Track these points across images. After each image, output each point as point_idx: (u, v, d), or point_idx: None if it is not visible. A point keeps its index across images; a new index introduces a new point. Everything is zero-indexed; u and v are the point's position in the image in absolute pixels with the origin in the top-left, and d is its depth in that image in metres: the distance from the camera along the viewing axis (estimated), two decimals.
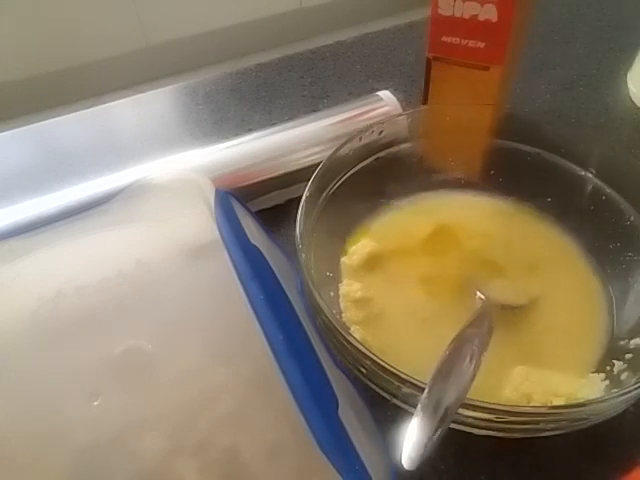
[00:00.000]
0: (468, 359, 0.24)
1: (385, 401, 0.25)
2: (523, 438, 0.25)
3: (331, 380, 0.21)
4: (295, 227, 0.28)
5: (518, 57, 0.40)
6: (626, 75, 0.50)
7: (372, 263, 0.33)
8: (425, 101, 0.40)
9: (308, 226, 0.30)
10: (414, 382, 0.22)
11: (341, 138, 0.33)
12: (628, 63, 0.50)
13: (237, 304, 0.23)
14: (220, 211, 0.26)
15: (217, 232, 0.25)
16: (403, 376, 0.23)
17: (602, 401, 0.23)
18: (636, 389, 0.22)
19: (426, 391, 0.22)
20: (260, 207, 0.37)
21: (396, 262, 0.33)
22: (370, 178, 0.35)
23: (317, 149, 0.37)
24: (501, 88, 0.37)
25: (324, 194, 0.33)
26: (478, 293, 0.31)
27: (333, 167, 0.33)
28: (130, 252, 0.26)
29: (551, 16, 0.58)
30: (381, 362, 0.23)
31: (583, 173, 0.34)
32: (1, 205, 0.34)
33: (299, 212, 0.29)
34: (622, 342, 0.29)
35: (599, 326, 0.30)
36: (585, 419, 0.23)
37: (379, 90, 0.41)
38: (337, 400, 0.21)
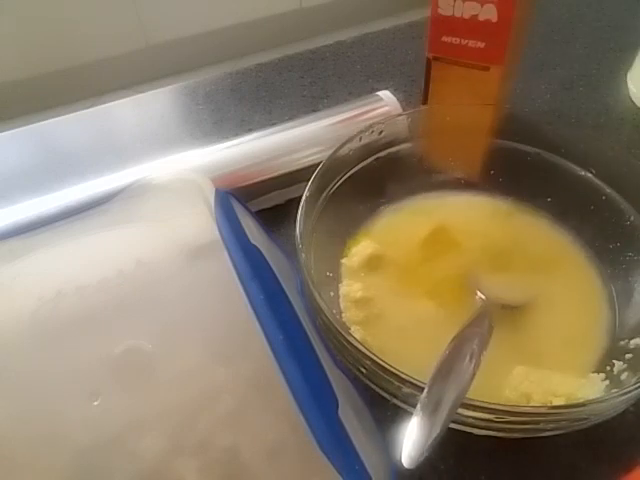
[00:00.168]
0: (468, 358, 0.24)
1: (385, 401, 0.25)
2: (523, 438, 0.25)
3: (331, 380, 0.21)
4: (295, 227, 0.28)
5: (518, 57, 0.40)
6: (626, 75, 0.50)
7: (372, 264, 0.33)
8: (425, 101, 0.40)
9: (308, 226, 0.30)
10: (414, 382, 0.22)
11: (341, 138, 0.33)
12: (628, 63, 0.50)
13: (237, 304, 0.23)
14: (220, 211, 0.26)
15: (217, 232, 0.25)
16: (403, 376, 0.23)
17: (602, 401, 0.23)
18: (636, 389, 0.22)
19: (426, 390, 0.22)
20: (260, 207, 0.37)
21: (396, 262, 0.33)
22: (370, 178, 0.35)
23: (317, 149, 0.37)
24: (501, 88, 0.37)
25: (324, 194, 0.33)
26: (478, 293, 0.31)
27: (333, 167, 0.33)
28: (130, 252, 0.26)
29: (551, 16, 0.58)
30: (381, 362, 0.23)
31: (583, 173, 0.34)
32: (1, 205, 0.34)
33: (299, 212, 0.29)
34: (622, 342, 0.29)
35: (599, 326, 0.30)
36: (585, 419, 0.23)
37: (379, 90, 0.41)
38: (337, 400, 0.21)
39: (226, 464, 0.20)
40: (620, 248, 0.32)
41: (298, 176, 0.36)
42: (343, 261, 0.33)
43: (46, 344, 0.22)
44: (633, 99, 0.48)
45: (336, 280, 0.33)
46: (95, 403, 0.21)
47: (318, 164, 0.32)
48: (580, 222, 0.34)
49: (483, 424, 0.23)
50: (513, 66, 0.39)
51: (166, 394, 0.21)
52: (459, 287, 0.32)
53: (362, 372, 0.25)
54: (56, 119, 0.49)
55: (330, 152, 0.32)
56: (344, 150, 0.33)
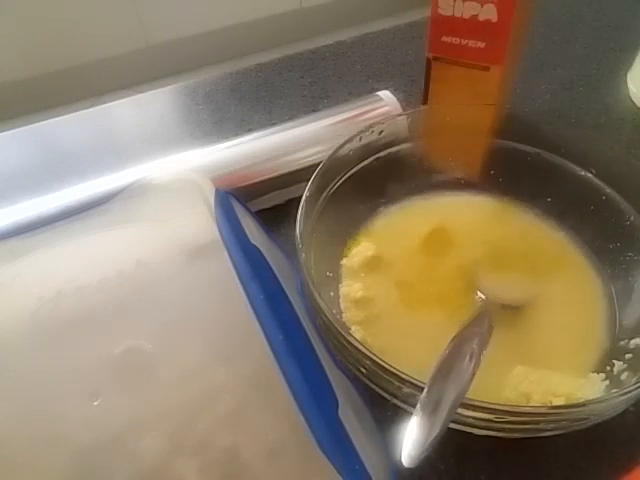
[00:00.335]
0: (468, 358, 0.24)
1: (385, 401, 0.25)
2: (523, 438, 0.25)
3: (331, 380, 0.21)
4: (295, 227, 0.28)
5: (518, 57, 0.40)
6: (626, 75, 0.50)
7: (372, 264, 0.33)
8: (425, 101, 0.40)
9: (308, 226, 0.30)
10: (414, 382, 0.22)
11: (341, 138, 0.33)
12: (628, 63, 0.50)
13: (237, 304, 0.23)
14: (220, 211, 0.26)
15: (217, 232, 0.25)
16: (403, 376, 0.23)
17: (602, 401, 0.23)
18: (636, 389, 0.22)
19: (426, 390, 0.22)
20: (260, 207, 0.37)
21: (396, 262, 0.33)
22: (370, 178, 0.35)
23: (317, 149, 0.37)
24: (501, 88, 0.37)
25: (324, 194, 0.33)
26: (478, 293, 0.31)
27: (333, 167, 0.33)
28: (130, 252, 0.26)
29: (551, 16, 0.58)
30: (381, 362, 0.23)
31: (583, 173, 0.34)
32: (1, 205, 0.34)
33: (299, 212, 0.29)
34: (622, 342, 0.29)
35: (599, 326, 0.30)
36: (585, 419, 0.23)
37: (379, 90, 0.41)
38: (337, 400, 0.21)
39: (226, 464, 0.20)
40: (620, 248, 0.32)
41: (298, 176, 0.36)
42: (343, 261, 0.33)
43: (46, 344, 0.22)
44: (633, 99, 0.48)
45: (336, 280, 0.33)
46: (95, 403, 0.21)
47: (318, 164, 0.32)
48: (580, 222, 0.34)
49: (483, 424, 0.23)
50: (513, 66, 0.39)
51: (166, 394, 0.21)
52: (459, 287, 0.32)
53: (362, 372, 0.25)
54: (56, 119, 0.49)
55: (330, 152, 0.32)
56: (344, 150, 0.33)
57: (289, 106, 0.48)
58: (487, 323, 0.27)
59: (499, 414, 0.22)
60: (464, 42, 0.35)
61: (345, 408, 0.21)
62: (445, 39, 0.35)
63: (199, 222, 0.27)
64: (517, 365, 0.28)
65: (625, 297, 0.31)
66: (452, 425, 0.23)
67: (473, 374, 0.23)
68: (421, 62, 0.38)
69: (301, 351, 0.22)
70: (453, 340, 0.25)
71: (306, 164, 0.37)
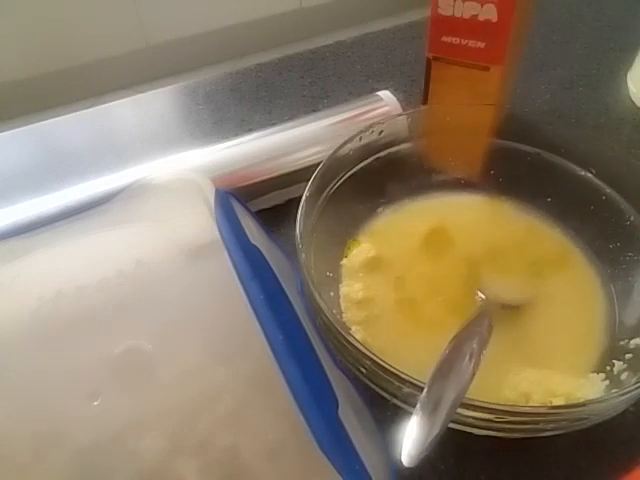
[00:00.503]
0: (468, 358, 0.24)
1: (385, 401, 0.25)
2: (523, 438, 0.25)
3: (331, 380, 0.21)
4: (295, 227, 0.28)
5: (518, 57, 0.40)
6: (626, 75, 0.50)
7: (373, 264, 0.33)
8: (425, 101, 0.40)
9: (308, 226, 0.30)
10: (414, 382, 0.22)
11: (341, 138, 0.33)
12: (628, 63, 0.50)
13: (237, 304, 0.23)
14: (220, 211, 0.26)
15: (217, 232, 0.25)
16: (403, 376, 0.23)
17: (602, 401, 0.23)
18: (636, 389, 0.22)
19: (425, 390, 0.22)
20: (260, 207, 0.37)
21: (396, 262, 0.33)
22: (370, 178, 0.35)
23: (317, 149, 0.37)
24: (501, 88, 0.37)
25: (324, 194, 0.33)
26: (478, 292, 0.31)
27: (333, 167, 0.33)
28: (130, 252, 0.26)
29: (551, 16, 0.58)
30: (381, 362, 0.23)
31: (583, 173, 0.34)
32: (1, 205, 0.34)
33: (299, 212, 0.29)
34: (622, 342, 0.29)
35: (599, 326, 0.30)
36: (585, 419, 0.23)
37: (379, 90, 0.41)
38: (337, 400, 0.21)
39: (226, 464, 0.20)
40: (620, 248, 0.32)
41: (298, 176, 0.36)
42: (343, 261, 0.33)
43: (46, 344, 0.22)
44: (633, 99, 0.48)
45: (336, 280, 0.33)
46: (95, 403, 0.21)
47: (318, 164, 0.32)
48: (580, 222, 0.34)
49: (483, 424, 0.23)
50: (513, 66, 0.39)
51: (166, 394, 0.21)
52: (459, 287, 0.32)
53: (362, 372, 0.25)
54: (56, 119, 0.49)
55: (330, 152, 0.32)
56: (344, 150, 0.33)
57: (289, 106, 0.48)
58: (487, 323, 0.27)
59: (499, 414, 0.22)
60: (464, 42, 0.35)
61: (345, 408, 0.21)
62: (445, 39, 0.35)
63: (199, 222, 0.27)
64: (517, 365, 0.28)
65: (625, 297, 0.31)
66: (452, 425, 0.23)
67: (473, 374, 0.23)
68: (421, 62, 0.38)
69: (301, 351, 0.22)
70: (453, 340, 0.25)
71: (306, 164, 0.37)
